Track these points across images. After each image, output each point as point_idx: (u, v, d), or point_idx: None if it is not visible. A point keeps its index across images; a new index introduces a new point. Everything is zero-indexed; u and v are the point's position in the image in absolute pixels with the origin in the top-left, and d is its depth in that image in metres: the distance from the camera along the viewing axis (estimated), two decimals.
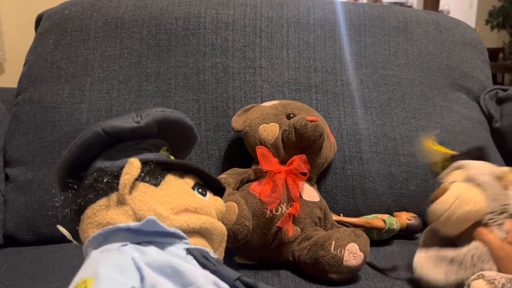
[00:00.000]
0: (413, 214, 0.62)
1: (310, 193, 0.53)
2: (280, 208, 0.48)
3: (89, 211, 0.32)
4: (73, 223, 0.33)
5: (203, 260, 0.30)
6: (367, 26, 0.74)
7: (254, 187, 0.50)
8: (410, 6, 4.09)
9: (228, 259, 0.51)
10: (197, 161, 0.64)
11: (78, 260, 0.53)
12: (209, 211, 0.34)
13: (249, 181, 0.54)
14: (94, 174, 0.33)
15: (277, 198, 0.48)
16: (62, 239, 0.61)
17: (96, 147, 0.35)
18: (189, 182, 0.35)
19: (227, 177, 0.52)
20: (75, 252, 0.57)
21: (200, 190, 0.35)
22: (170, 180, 0.34)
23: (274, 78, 0.68)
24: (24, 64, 0.72)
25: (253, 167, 0.55)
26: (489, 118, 0.75)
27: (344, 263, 0.45)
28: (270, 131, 0.54)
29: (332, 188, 0.64)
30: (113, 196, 0.31)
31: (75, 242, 0.34)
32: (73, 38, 0.70)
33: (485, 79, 0.79)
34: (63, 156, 0.34)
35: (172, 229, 0.30)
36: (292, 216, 0.49)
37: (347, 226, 0.56)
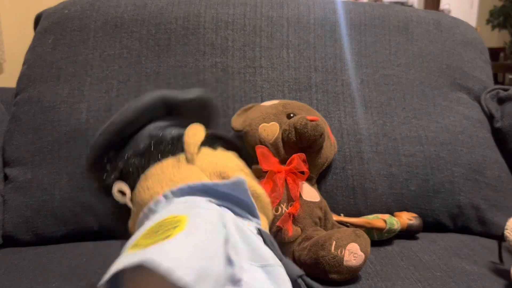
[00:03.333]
0: (414, 214, 0.61)
1: (310, 193, 0.52)
2: (280, 208, 0.48)
3: (155, 169, 0.32)
4: (128, 179, 0.34)
5: (271, 247, 0.29)
6: (368, 25, 0.74)
7: None
8: (411, 6, 4.09)
9: None
10: None
11: (78, 260, 0.53)
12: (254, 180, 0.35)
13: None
14: (152, 137, 0.34)
15: (277, 198, 0.48)
16: (62, 239, 0.61)
17: (149, 114, 0.36)
18: (235, 155, 0.37)
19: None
20: (75, 252, 0.57)
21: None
22: (222, 150, 0.36)
23: (274, 77, 0.68)
24: (23, 64, 0.72)
25: (253, 167, 0.55)
26: (490, 118, 0.75)
27: (344, 263, 0.44)
28: (270, 130, 0.53)
29: (332, 188, 0.63)
30: (181, 156, 0.33)
31: (129, 202, 0.34)
32: (73, 38, 0.70)
33: (486, 79, 0.79)
34: (115, 119, 0.35)
35: (254, 203, 0.30)
36: (292, 216, 0.48)
37: (347, 226, 0.56)
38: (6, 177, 0.65)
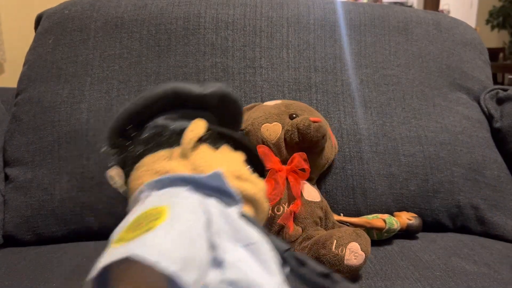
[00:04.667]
0: (414, 214, 0.62)
1: (311, 193, 0.52)
2: (282, 208, 0.48)
3: (147, 159, 0.33)
4: (124, 167, 0.35)
5: (256, 226, 0.30)
6: (367, 26, 0.74)
7: None
8: (410, 6, 4.09)
9: None
10: None
11: (78, 260, 0.53)
12: (259, 186, 0.35)
13: None
14: (157, 128, 0.35)
15: (278, 196, 0.48)
16: (62, 239, 0.61)
17: (160, 104, 0.36)
18: (241, 156, 0.36)
19: None
20: (75, 252, 0.57)
21: (249, 167, 0.36)
22: (226, 149, 0.35)
23: (274, 78, 0.68)
24: (24, 64, 0.72)
25: None
26: (489, 118, 0.75)
27: (345, 262, 0.45)
28: (273, 130, 0.54)
29: (332, 188, 0.64)
30: (175, 150, 0.33)
31: (120, 187, 0.35)
32: (73, 38, 0.70)
33: (485, 79, 0.79)
34: (127, 106, 0.36)
35: (232, 189, 0.30)
36: (293, 214, 0.49)
37: (347, 226, 0.56)
38: (6, 177, 0.65)
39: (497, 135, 0.73)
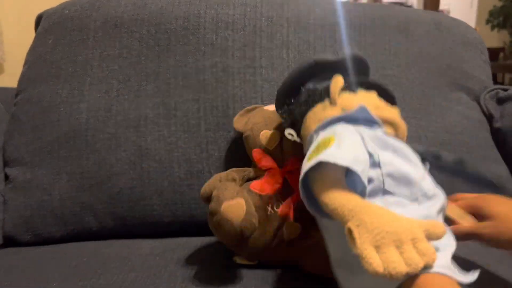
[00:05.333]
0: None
1: None
2: (281, 205, 0.49)
3: (310, 114, 0.45)
4: (294, 125, 0.47)
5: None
6: (368, 26, 0.74)
7: (254, 185, 0.50)
8: (410, 6, 4.09)
9: (228, 259, 0.51)
10: (197, 161, 0.64)
11: (78, 260, 0.53)
12: (394, 111, 0.44)
13: (249, 179, 0.54)
14: (309, 91, 0.46)
15: (273, 191, 0.49)
16: (62, 239, 0.61)
17: (306, 74, 0.48)
18: (374, 93, 0.46)
19: (232, 172, 0.52)
20: (75, 252, 0.57)
21: (381, 99, 0.46)
22: (361, 91, 0.45)
23: (274, 77, 0.68)
24: (24, 64, 0.72)
25: (252, 168, 0.56)
26: (489, 118, 0.75)
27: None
28: (271, 138, 0.54)
29: None
30: (326, 102, 0.44)
31: (297, 139, 0.47)
32: (73, 38, 0.70)
33: (485, 79, 0.79)
34: (283, 82, 0.49)
35: (374, 116, 0.41)
36: (291, 205, 0.49)
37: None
38: (6, 177, 0.65)
39: (497, 135, 0.73)
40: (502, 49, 4.15)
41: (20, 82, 0.70)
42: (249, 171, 0.54)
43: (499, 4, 4.22)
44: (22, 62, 0.72)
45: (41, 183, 0.62)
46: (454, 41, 0.77)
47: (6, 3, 1.61)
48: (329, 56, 0.48)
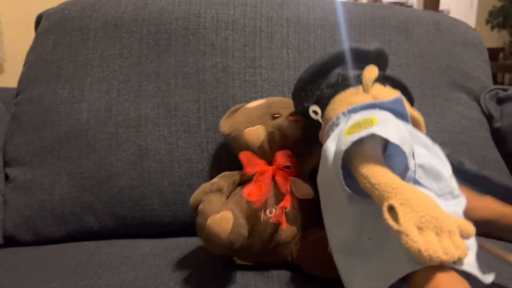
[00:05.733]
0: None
1: (303, 191, 0.51)
2: (273, 210, 0.48)
3: (339, 96, 0.44)
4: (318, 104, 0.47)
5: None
6: (367, 26, 0.74)
7: (246, 190, 0.49)
8: (410, 6, 4.09)
9: (228, 259, 0.51)
10: (197, 161, 0.64)
11: (78, 260, 0.53)
12: (418, 113, 0.45)
13: (241, 183, 0.52)
14: (339, 75, 0.46)
15: (264, 196, 0.47)
16: (62, 239, 0.61)
17: (335, 60, 0.48)
18: (399, 92, 0.46)
19: (220, 181, 0.50)
20: (75, 252, 0.57)
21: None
22: (389, 87, 0.46)
23: (274, 78, 0.68)
24: (24, 64, 0.72)
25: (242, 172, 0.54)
26: (489, 118, 0.75)
27: None
28: (256, 134, 0.53)
29: None
30: (359, 88, 0.44)
31: (320, 119, 0.46)
32: (73, 38, 0.70)
33: (485, 79, 0.79)
34: (314, 63, 0.49)
35: (407, 111, 0.41)
36: (284, 210, 0.48)
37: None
38: (6, 177, 0.65)
39: (497, 135, 0.73)
40: (502, 49, 4.16)
41: (20, 82, 0.70)
42: (242, 174, 0.52)
43: (499, 4, 4.22)
44: (22, 62, 0.72)
45: (42, 183, 0.63)
46: (454, 41, 0.77)
47: (6, 3, 1.61)
48: (363, 45, 0.49)
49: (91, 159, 0.63)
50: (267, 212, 0.48)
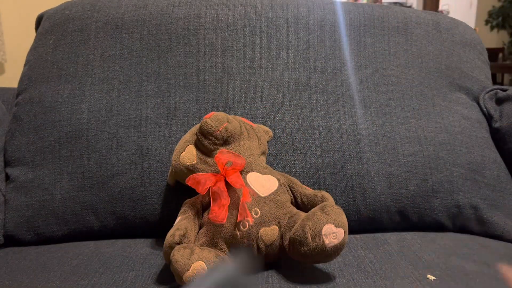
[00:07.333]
0: None
1: (265, 185, 0.51)
2: (246, 223, 0.47)
3: None
4: None
5: None
6: (367, 26, 0.74)
7: (210, 215, 0.48)
8: (410, 6, 4.09)
9: None
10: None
11: (79, 260, 0.53)
12: None
13: (206, 205, 0.51)
14: None
15: (225, 204, 0.47)
16: (63, 239, 0.62)
17: None
18: None
19: (182, 223, 0.49)
20: (76, 251, 0.57)
21: None
22: None
23: (274, 78, 0.68)
24: (25, 64, 0.72)
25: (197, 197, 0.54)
26: (488, 118, 0.75)
27: (328, 247, 0.44)
28: (188, 153, 0.53)
29: (331, 188, 0.64)
30: None
31: None
32: (74, 38, 0.70)
33: (484, 79, 0.79)
34: None
35: None
36: (245, 204, 0.47)
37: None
38: (7, 177, 0.66)
39: (496, 135, 0.74)
40: (501, 50, 4.16)
41: (21, 82, 0.71)
42: (201, 199, 0.51)
43: (498, 4, 4.23)
44: (23, 62, 0.73)
45: (43, 183, 0.63)
46: (453, 42, 0.78)
47: (7, 4, 1.62)
48: None
49: (91, 159, 0.63)
50: (240, 226, 0.47)
